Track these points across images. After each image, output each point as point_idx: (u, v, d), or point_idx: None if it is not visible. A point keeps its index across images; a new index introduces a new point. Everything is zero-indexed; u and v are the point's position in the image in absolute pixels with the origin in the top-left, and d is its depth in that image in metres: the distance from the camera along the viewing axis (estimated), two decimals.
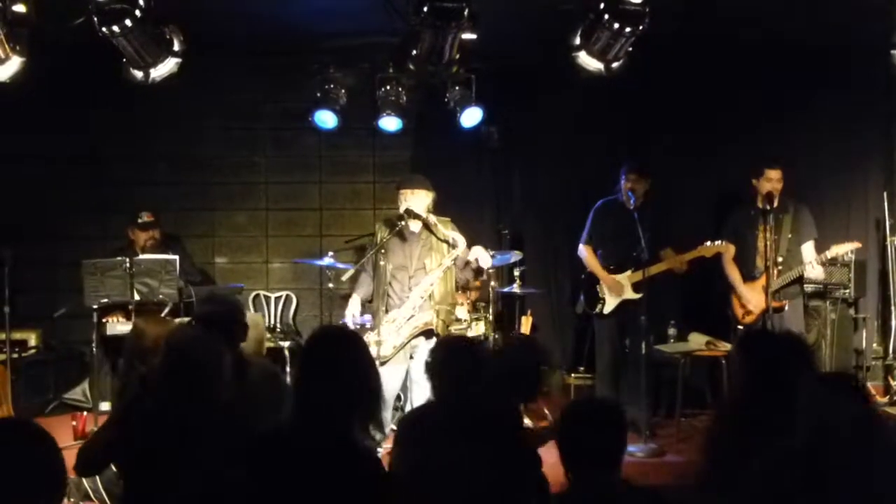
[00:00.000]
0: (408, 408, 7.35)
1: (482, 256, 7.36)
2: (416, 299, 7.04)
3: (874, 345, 9.33)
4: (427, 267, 7.15)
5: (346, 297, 7.90)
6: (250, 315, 6.96)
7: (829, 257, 7.82)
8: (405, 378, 7.31)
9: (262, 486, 3.23)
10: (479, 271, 7.98)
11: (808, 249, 7.97)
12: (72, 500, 5.87)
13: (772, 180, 7.82)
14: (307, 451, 3.21)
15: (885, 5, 6.81)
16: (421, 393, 7.16)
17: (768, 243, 7.57)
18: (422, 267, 7.17)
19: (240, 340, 4.81)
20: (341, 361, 3.32)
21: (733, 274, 8.03)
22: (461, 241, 7.14)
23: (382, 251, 7.04)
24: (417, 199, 7.20)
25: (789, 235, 7.92)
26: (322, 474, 3.18)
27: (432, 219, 7.19)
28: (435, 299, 7.16)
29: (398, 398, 7.72)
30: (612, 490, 3.37)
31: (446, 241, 7.20)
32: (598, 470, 3.38)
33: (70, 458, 6.25)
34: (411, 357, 7.17)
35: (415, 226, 7.21)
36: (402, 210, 7.15)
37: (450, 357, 4.44)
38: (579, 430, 3.44)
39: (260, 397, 4.35)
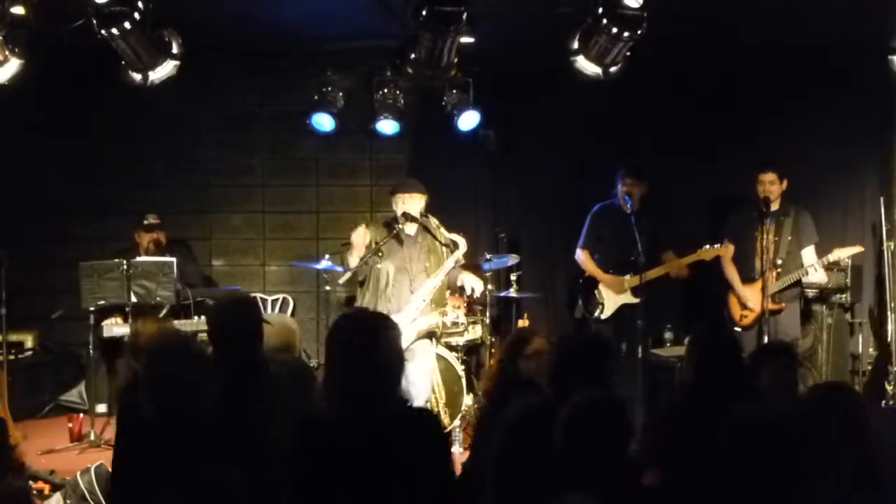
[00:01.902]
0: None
1: (476, 285, 7.32)
2: (419, 302, 7.02)
3: (870, 349, 9.33)
4: (427, 270, 7.13)
5: (344, 301, 7.88)
6: (285, 318, 6.87)
7: (830, 261, 7.86)
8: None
9: (317, 467, 3.34)
10: (462, 290, 7.98)
11: (808, 254, 8.00)
12: (69, 501, 5.87)
13: (763, 183, 7.89)
14: (358, 426, 3.32)
15: (882, 10, 6.83)
16: (419, 394, 7.15)
17: (767, 245, 7.60)
18: (422, 270, 7.15)
19: (259, 341, 4.66)
20: (375, 341, 3.41)
21: (732, 274, 8.07)
22: (462, 242, 7.12)
23: (380, 254, 7.00)
24: (414, 203, 7.18)
25: (789, 238, 7.96)
26: (382, 445, 3.31)
27: (434, 221, 7.17)
28: (435, 301, 7.17)
29: None
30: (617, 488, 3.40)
31: (447, 245, 7.19)
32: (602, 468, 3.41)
33: (65, 460, 6.25)
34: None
35: (410, 229, 7.19)
36: (399, 214, 7.13)
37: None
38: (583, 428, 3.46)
39: (285, 393, 4.35)
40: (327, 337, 3.61)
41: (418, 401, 7.21)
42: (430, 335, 7.15)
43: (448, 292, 8.53)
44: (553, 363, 4.19)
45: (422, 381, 7.19)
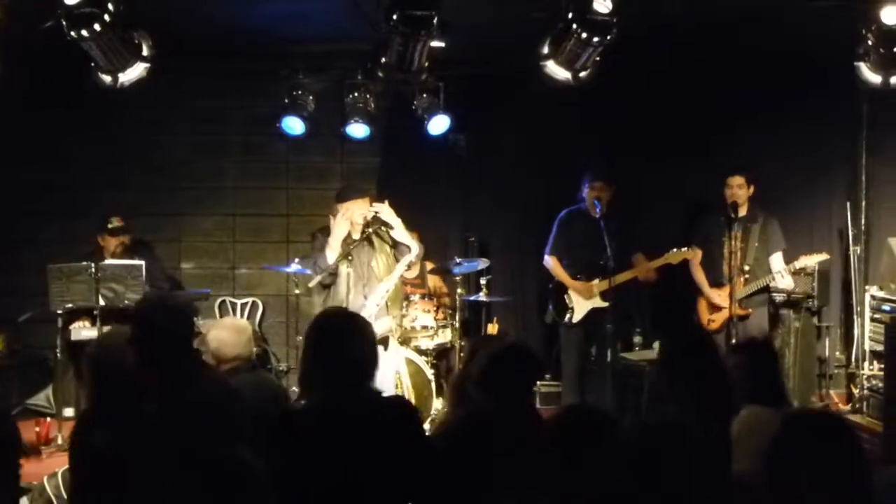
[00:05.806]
0: None
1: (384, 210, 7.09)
2: (373, 307, 6.92)
3: (837, 353, 9.43)
4: (376, 270, 7.04)
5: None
6: (237, 323, 6.77)
7: (797, 267, 7.95)
8: None
9: (300, 458, 3.52)
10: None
11: (776, 260, 8.08)
12: None
13: (731, 187, 7.98)
14: (336, 415, 3.57)
15: (849, 18, 6.89)
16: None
17: (734, 251, 7.67)
18: (371, 272, 7.04)
19: (190, 349, 4.39)
20: (354, 337, 3.71)
21: (700, 278, 8.14)
22: (414, 247, 7.02)
23: (350, 258, 6.91)
24: (366, 206, 7.11)
25: (756, 244, 8.02)
26: (360, 430, 3.54)
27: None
28: (390, 301, 7.11)
29: None
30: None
31: (394, 246, 7.09)
32: None
33: (32, 464, 6.21)
34: None
35: (356, 233, 7.10)
36: (370, 218, 7.04)
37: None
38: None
39: (206, 414, 4.07)
40: (307, 332, 3.83)
41: None
42: (384, 341, 7.08)
43: (419, 296, 8.54)
44: (483, 371, 4.24)
45: (385, 385, 7.04)
